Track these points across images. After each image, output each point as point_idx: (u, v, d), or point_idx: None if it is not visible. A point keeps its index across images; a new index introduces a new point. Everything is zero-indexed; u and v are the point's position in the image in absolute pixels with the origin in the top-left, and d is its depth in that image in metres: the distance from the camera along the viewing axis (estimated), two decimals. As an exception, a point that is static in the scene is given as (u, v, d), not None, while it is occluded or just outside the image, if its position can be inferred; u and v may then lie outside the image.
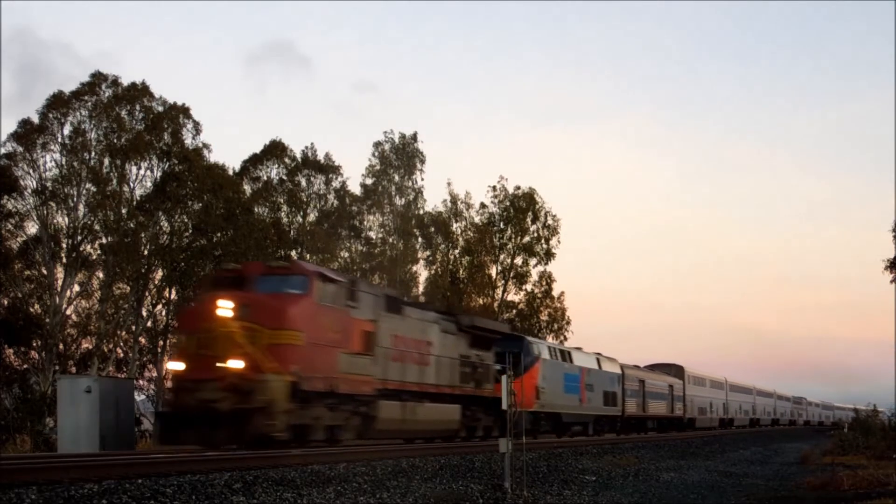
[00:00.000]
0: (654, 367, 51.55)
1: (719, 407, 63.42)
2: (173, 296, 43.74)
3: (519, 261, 60.01)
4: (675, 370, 53.09)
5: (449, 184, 60.48)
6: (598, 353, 40.12)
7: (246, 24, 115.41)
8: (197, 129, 45.46)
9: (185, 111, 45.06)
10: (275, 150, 50.50)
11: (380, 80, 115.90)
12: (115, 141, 42.54)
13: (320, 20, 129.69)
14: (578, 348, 40.64)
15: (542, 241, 59.70)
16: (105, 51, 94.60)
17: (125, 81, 43.51)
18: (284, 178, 50.52)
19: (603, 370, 38.83)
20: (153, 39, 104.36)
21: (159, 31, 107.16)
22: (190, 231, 43.58)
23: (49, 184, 41.19)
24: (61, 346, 38.99)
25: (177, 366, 17.51)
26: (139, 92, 43.68)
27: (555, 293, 60.97)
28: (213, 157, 46.40)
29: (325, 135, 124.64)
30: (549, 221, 59.88)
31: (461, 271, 56.62)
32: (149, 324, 42.88)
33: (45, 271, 39.88)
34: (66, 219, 40.74)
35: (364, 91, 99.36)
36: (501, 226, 59.61)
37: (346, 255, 53.00)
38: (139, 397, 36.71)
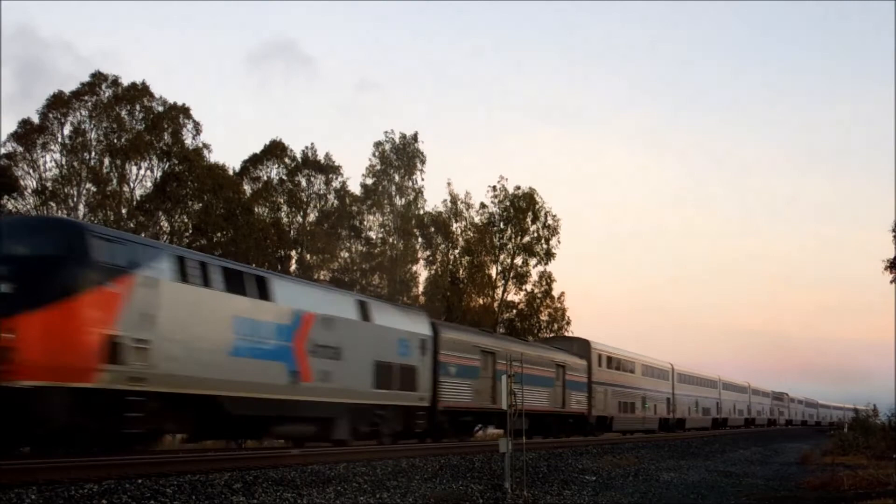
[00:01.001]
0: (545, 342, 40.55)
1: (660, 403, 48.30)
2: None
3: (519, 261, 60.16)
4: (578, 346, 38.50)
5: (449, 184, 60.75)
6: (369, 296, 25.35)
7: (248, 24, 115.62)
8: (197, 129, 45.66)
9: (185, 111, 45.20)
10: (275, 150, 50.63)
11: (381, 80, 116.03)
12: (115, 141, 42.63)
13: (323, 20, 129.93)
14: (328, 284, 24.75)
15: (542, 241, 59.81)
16: (106, 50, 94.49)
17: (126, 81, 43.78)
18: (284, 178, 50.63)
19: (376, 325, 21.86)
20: (155, 38, 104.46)
21: (161, 29, 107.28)
22: (190, 231, 43.64)
23: (49, 184, 41.27)
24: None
25: None
26: (139, 92, 43.81)
27: (555, 293, 61.22)
28: (213, 157, 46.62)
29: (326, 135, 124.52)
30: (549, 221, 60.05)
31: (461, 271, 56.65)
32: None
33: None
34: (66, 219, 40.82)
35: (365, 91, 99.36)
36: (501, 226, 59.71)
37: (346, 255, 53.11)
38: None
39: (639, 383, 44.81)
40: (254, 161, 50.21)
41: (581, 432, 35.78)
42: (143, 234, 42.21)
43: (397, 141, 55.23)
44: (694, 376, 58.09)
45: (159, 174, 44.03)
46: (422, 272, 56.70)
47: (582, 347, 38.41)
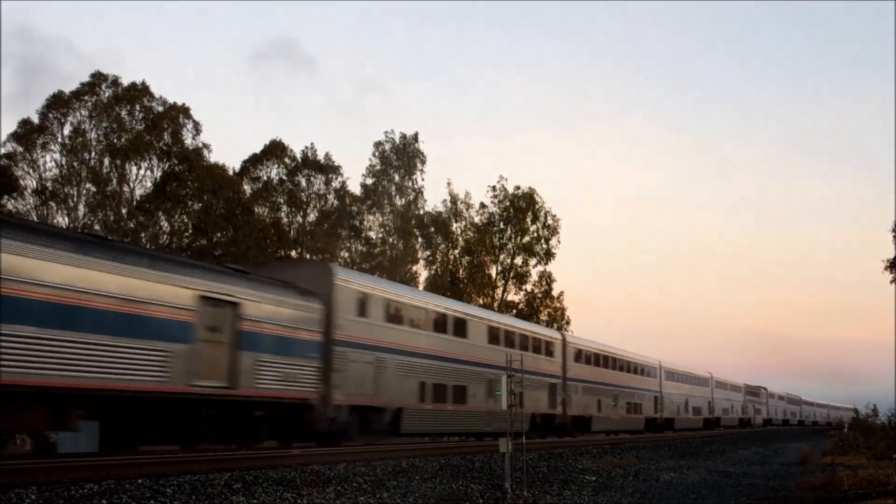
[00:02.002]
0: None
1: (536, 392, 31.82)
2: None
3: (519, 261, 60.20)
4: (307, 276, 21.34)
5: (449, 184, 60.83)
6: None
7: (250, 24, 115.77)
8: (197, 129, 45.66)
9: (185, 111, 45.18)
10: (275, 150, 50.62)
11: (382, 80, 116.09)
12: (115, 141, 42.61)
13: (325, 20, 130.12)
14: None
15: (542, 241, 59.89)
16: (107, 49, 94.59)
17: (127, 80, 43.84)
18: (284, 178, 50.62)
19: None
20: (157, 37, 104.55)
21: (163, 29, 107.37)
22: (190, 231, 43.61)
23: (49, 184, 41.25)
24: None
25: None
26: (139, 92, 43.79)
27: (554, 293, 61.31)
28: (214, 157, 46.63)
29: (326, 135, 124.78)
30: (549, 221, 60.12)
31: (461, 271, 56.66)
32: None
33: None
34: (66, 219, 40.81)
35: (366, 91, 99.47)
36: (501, 226, 59.77)
37: (346, 255, 53.10)
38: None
39: (469, 354, 27.04)
40: (254, 161, 50.21)
41: (304, 433, 20.32)
42: (142, 235, 42.18)
43: (397, 141, 55.29)
44: (608, 356, 41.24)
45: (159, 174, 44.03)
46: (422, 272, 56.76)
47: (317, 280, 20.99)
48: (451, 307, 28.23)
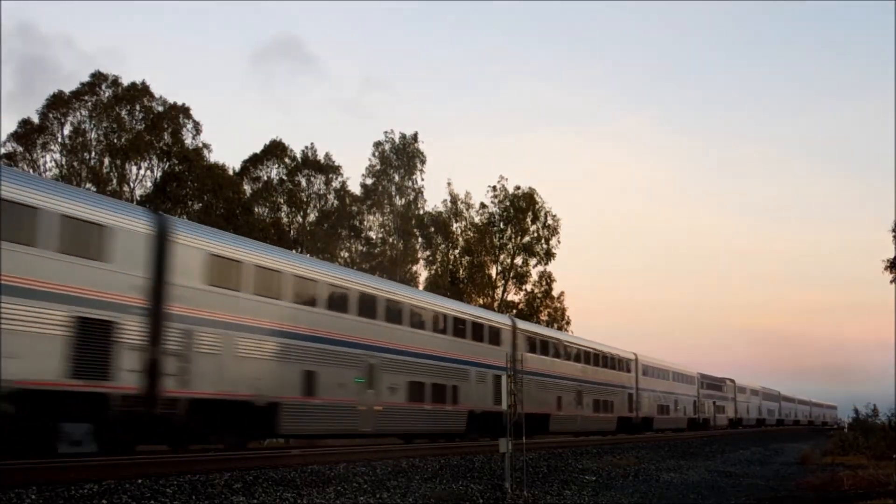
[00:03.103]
0: None
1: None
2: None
3: (519, 261, 60.21)
4: None
5: (449, 184, 60.88)
6: None
7: (252, 23, 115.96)
8: (197, 128, 45.67)
9: (185, 111, 45.19)
10: (275, 150, 50.60)
11: (384, 78, 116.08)
12: (115, 141, 42.62)
13: (327, 18, 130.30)
14: None
15: (542, 241, 59.89)
16: (108, 48, 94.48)
17: (128, 79, 43.94)
18: (284, 178, 50.61)
19: None
20: (158, 36, 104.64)
21: (165, 27, 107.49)
22: (190, 231, 43.59)
23: (49, 184, 41.32)
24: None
25: None
26: (139, 92, 43.81)
27: (554, 293, 61.32)
28: (214, 156, 46.67)
29: (327, 135, 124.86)
30: (549, 221, 60.11)
31: (461, 271, 56.63)
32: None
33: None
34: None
35: (367, 91, 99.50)
36: (501, 226, 59.76)
37: (346, 255, 53.10)
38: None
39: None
40: (254, 161, 50.20)
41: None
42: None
43: (397, 141, 55.26)
44: (394, 300, 23.80)
45: (159, 174, 44.03)
46: (422, 272, 56.74)
47: None
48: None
